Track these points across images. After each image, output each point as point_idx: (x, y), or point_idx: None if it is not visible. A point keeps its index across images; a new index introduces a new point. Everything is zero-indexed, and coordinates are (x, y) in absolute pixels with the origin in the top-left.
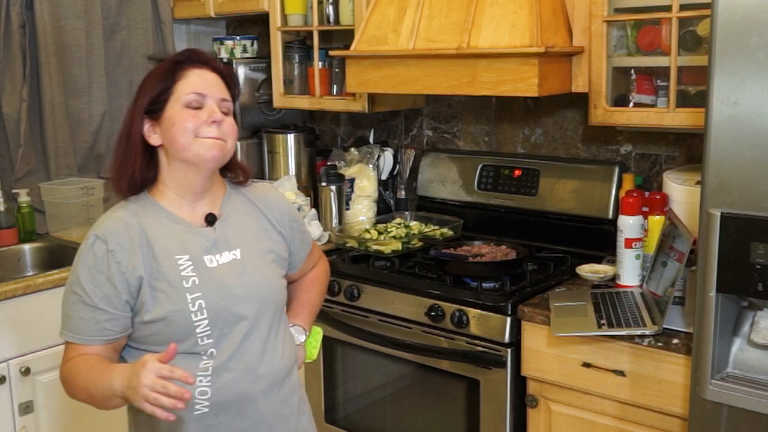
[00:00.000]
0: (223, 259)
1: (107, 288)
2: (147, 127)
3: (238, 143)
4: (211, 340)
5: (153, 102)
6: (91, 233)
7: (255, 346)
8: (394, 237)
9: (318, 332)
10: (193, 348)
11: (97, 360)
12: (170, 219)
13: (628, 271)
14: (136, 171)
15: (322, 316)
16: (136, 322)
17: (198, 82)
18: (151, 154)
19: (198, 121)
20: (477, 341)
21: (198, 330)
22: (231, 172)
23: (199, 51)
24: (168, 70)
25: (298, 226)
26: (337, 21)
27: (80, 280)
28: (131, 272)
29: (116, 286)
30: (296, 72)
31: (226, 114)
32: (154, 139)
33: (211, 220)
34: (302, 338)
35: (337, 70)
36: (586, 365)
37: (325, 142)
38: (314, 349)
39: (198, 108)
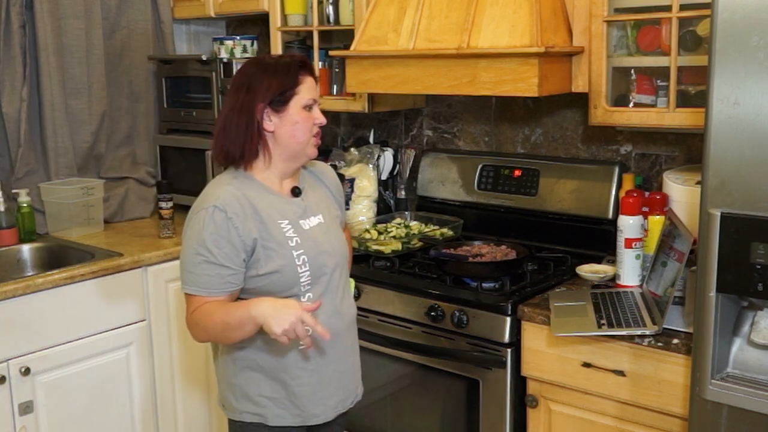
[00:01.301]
0: (312, 222)
1: (229, 249)
2: (266, 113)
3: None
4: (310, 286)
5: (279, 95)
6: (208, 204)
7: (338, 290)
8: (394, 237)
9: (352, 282)
10: (296, 294)
11: (227, 302)
12: (267, 191)
13: (628, 271)
14: (251, 148)
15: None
16: (250, 276)
17: (313, 88)
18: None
19: (311, 122)
20: (477, 341)
21: (302, 279)
22: None
23: (309, 59)
24: (294, 72)
25: (342, 195)
26: (337, 21)
27: (206, 243)
28: (247, 235)
29: (236, 246)
30: None
31: None
32: (269, 125)
33: (297, 192)
34: None
35: (337, 70)
36: (586, 365)
37: (325, 142)
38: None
39: (310, 110)
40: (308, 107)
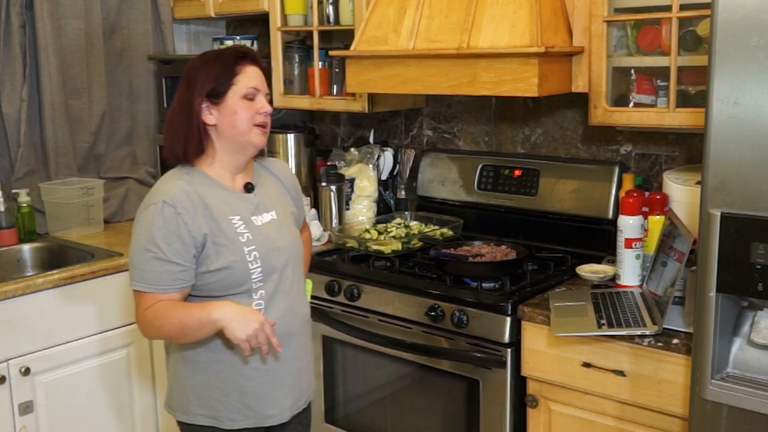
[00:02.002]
0: (264, 219)
1: (178, 245)
2: (204, 107)
3: None
4: (262, 283)
5: (215, 87)
6: (157, 200)
7: (293, 288)
8: (394, 237)
9: (309, 283)
10: (247, 291)
11: (182, 301)
12: (219, 187)
13: (628, 271)
14: (193, 147)
15: (323, 316)
16: (201, 272)
17: (254, 77)
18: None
19: (253, 111)
20: (477, 341)
21: (253, 276)
22: None
23: (251, 49)
24: (230, 62)
25: (299, 193)
26: (337, 21)
27: (155, 240)
28: (197, 230)
29: (185, 242)
30: (296, 72)
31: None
32: (209, 119)
33: (250, 188)
34: None
35: (337, 70)
36: (586, 365)
37: (325, 142)
38: (308, 296)
39: (251, 100)
40: (249, 97)
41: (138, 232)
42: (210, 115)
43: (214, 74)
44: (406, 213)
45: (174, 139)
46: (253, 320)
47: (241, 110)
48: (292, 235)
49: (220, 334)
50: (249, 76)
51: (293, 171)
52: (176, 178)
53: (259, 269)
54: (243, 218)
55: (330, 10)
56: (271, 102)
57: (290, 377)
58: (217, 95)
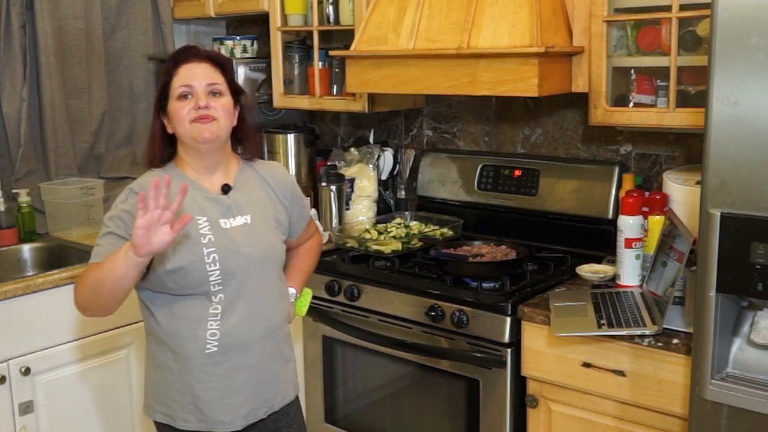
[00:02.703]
0: (235, 222)
1: (131, 221)
2: (164, 119)
3: None
4: (221, 287)
5: (160, 99)
6: (127, 187)
7: (257, 295)
8: (394, 237)
9: (308, 293)
10: (205, 294)
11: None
12: (193, 186)
13: (628, 271)
14: (157, 154)
15: (323, 316)
16: (159, 270)
17: (186, 75)
18: (170, 138)
19: (188, 107)
20: (477, 341)
21: (211, 278)
22: (242, 146)
23: (191, 47)
24: (166, 70)
25: (298, 200)
26: (337, 21)
27: (112, 217)
28: None
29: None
30: (296, 72)
31: (216, 94)
32: (169, 128)
33: (226, 189)
34: (292, 298)
35: (337, 70)
36: (586, 365)
37: (325, 142)
38: (303, 307)
39: (188, 97)
40: (182, 96)
41: (108, 213)
42: (168, 125)
43: (159, 86)
44: (406, 213)
45: (146, 147)
46: (135, 226)
47: (175, 111)
48: (266, 241)
49: (173, 331)
50: (180, 77)
51: (293, 171)
52: (152, 173)
53: (218, 272)
54: (210, 220)
55: (330, 10)
56: (270, 102)
57: (248, 386)
58: (163, 105)
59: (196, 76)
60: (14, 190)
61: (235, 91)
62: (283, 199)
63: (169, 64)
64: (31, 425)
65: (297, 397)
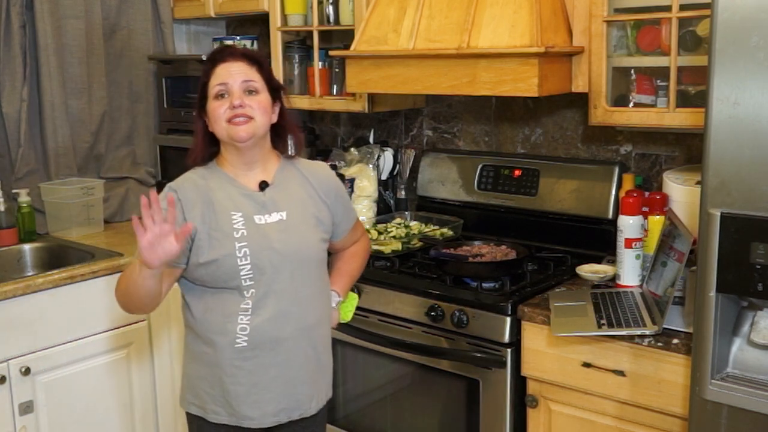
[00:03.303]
0: (271, 218)
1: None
2: (206, 118)
3: None
4: (252, 283)
5: (200, 99)
6: (167, 185)
7: (289, 293)
8: (394, 237)
9: (353, 297)
10: (237, 288)
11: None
12: (230, 183)
13: (628, 271)
14: (199, 153)
15: None
16: (194, 264)
17: (222, 74)
18: (213, 137)
19: (224, 107)
20: (477, 341)
21: (242, 273)
22: (283, 143)
23: (227, 46)
24: (204, 70)
25: (342, 201)
26: (337, 21)
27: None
28: (191, 219)
29: (177, 225)
30: (296, 72)
31: (252, 92)
32: (210, 127)
33: (263, 186)
34: (335, 301)
35: (337, 70)
36: (586, 365)
37: (325, 142)
38: (349, 312)
39: (225, 96)
40: (219, 95)
41: None
42: (209, 124)
43: (199, 86)
44: (406, 213)
45: (190, 147)
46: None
47: (213, 111)
48: (301, 238)
49: (205, 323)
50: (217, 75)
51: None
52: (193, 171)
53: (249, 266)
54: (245, 215)
55: (330, 10)
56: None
57: (277, 384)
58: (203, 104)
59: (231, 74)
60: (14, 190)
61: (274, 88)
62: (325, 198)
63: (206, 65)
64: (31, 425)
65: (326, 405)
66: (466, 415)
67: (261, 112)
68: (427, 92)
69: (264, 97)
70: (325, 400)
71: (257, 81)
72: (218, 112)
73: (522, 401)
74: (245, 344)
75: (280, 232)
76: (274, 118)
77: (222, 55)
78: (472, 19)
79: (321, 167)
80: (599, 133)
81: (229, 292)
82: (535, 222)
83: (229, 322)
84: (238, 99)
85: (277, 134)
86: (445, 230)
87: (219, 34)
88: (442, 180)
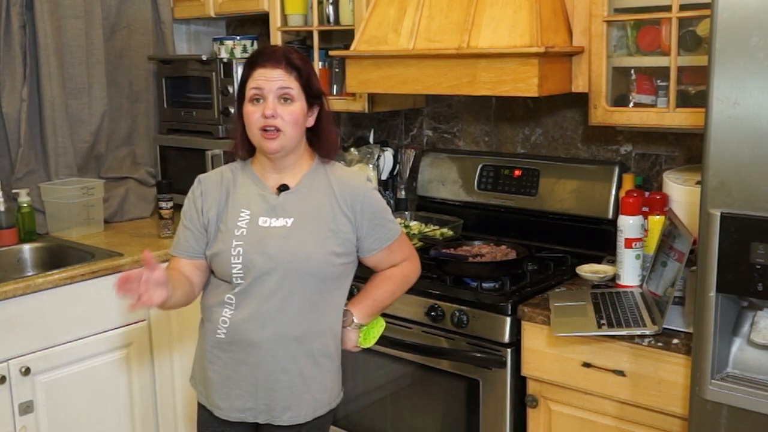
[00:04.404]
0: (276, 223)
1: (193, 212)
2: (241, 112)
3: None
4: (242, 281)
5: (239, 95)
6: (198, 176)
7: (274, 300)
8: None
9: (378, 323)
10: (230, 283)
11: (172, 273)
12: (254, 181)
13: (628, 271)
14: (238, 150)
15: None
16: (206, 251)
17: (259, 78)
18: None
19: (258, 113)
20: (477, 341)
21: (233, 270)
22: (316, 147)
23: (267, 49)
24: (244, 72)
25: (371, 216)
26: (337, 21)
27: (183, 212)
28: (207, 210)
29: (199, 212)
30: None
31: (287, 100)
32: (246, 128)
33: (281, 189)
34: (351, 323)
35: (337, 70)
36: (586, 365)
37: None
38: (370, 339)
39: (259, 101)
40: (254, 99)
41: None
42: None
43: (239, 83)
44: (406, 213)
45: (232, 136)
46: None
47: (247, 115)
48: (301, 248)
49: (204, 309)
50: (255, 78)
51: None
52: (231, 164)
53: (239, 265)
54: (252, 215)
55: (330, 10)
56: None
57: (246, 383)
58: (241, 102)
59: (268, 80)
60: (14, 190)
61: (311, 95)
62: (346, 210)
63: (245, 67)
64: (31, 425)
65: (318, 420)
66: (466, 415)
67: (292, 124)
68: (427, 92)
69: (298, 106)
70: (310, 416)
71: (294, 88)
72: (252, 118)
73: (522, 401)
74: (223, 336)
75: (279, 238)
76: (311, 122)
77: (262, 58)
78: (472, 19)
79: (353, 178)
80: (599, 133)
81: (224, 285)
82: (535, 222)
83: (215, 311)
84: (270, 109)
85: (315, 136)
86: (445, 230)
87: (219, 34)
88: (442, 180)
